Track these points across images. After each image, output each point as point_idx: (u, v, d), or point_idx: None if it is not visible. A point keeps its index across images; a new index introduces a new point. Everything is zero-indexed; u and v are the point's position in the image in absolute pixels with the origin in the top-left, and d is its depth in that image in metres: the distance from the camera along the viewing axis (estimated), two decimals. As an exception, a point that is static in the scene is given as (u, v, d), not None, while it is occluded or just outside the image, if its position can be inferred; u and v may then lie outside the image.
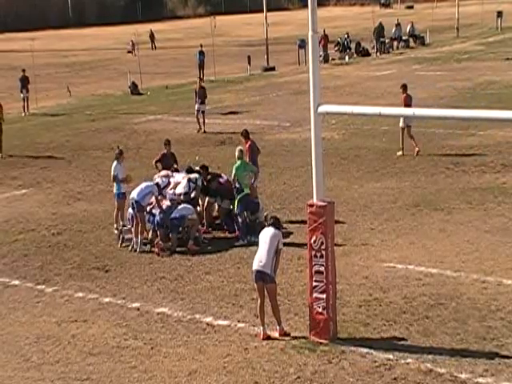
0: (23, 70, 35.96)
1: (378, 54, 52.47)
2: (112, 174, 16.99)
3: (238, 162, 16.46)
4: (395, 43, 55.53)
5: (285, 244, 12.27)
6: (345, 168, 21.80)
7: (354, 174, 21.09)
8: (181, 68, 49.08)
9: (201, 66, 43.79)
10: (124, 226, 16.73)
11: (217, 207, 17.31)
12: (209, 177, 17.23)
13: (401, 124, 22.69)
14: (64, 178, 22.46)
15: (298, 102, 32.14)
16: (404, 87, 23.17)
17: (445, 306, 12.49)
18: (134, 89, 39.88)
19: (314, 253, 11.37)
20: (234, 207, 16.61)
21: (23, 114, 34.56)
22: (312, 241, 11.34)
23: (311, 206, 11.34)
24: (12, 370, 11.23)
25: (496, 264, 14.15)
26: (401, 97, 23.12)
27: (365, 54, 51.97)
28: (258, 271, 11.57)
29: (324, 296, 11.38)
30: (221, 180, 17.23)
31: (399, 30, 56.14)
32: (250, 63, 45.58)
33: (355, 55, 51.66)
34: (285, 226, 16.10)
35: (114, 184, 17.00)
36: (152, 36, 64.32)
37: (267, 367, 10.85)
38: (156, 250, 15.82)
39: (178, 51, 60.76)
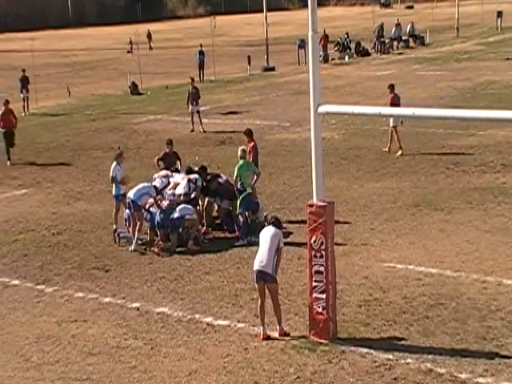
0: (23, 70, 35.97)
1: (379, 54, 52.50)
2: (110, 175, 16.98)
3: (241, 162, 16.44)
4: (395, 43, 55.55)
5: (285, 244, 12.27)
6: (345, 168, 21.80)
7: (354, 174, 21.10)
8: (181, 68, 49.06)
9: (201, 66, 43.80)
10: (116, 230, 16.67)
11: (216, 207, 17.31)
12: (208, 177, 17.23)
13: (391, 123, 22.89)
14: (64, 178, 22.46)
15: (297, 102, 32.14)
16: (391, 87, 23.39)
17: (445, 306, 12.49)
18: (134, 89, 39.90)
19: (313, 253, 11.37)
20: (234, 207, 16.62)
21: (23, 114, 34.55)
22: (312, 241, 11.34)
23: (311, 206, 11.34)
24: (12, 370, 11.24)
25: (496, 264, 14.15)
26: (388, 97, 23.26)
27: (365, 53, 52.00)
28: (259, 271, 11.57)
29: (324, 296, 11.38)
30: (220, 180, 17.22)
31: (399, 30, 56.15)
32: (249, 63, 45.60)
33: (355, 55, 51.68)
34: (285, 225, 16.08)
35: (113, 185, 17.00)
36: (149, 36, 64.21)
37: (267, 367, 10.85)
38: (156, 250, 15.82)
39: (178, 51, 60.76)
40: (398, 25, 56.29)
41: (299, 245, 15.09)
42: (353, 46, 52.56)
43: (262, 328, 11.71)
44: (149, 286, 14.12)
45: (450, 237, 15.78)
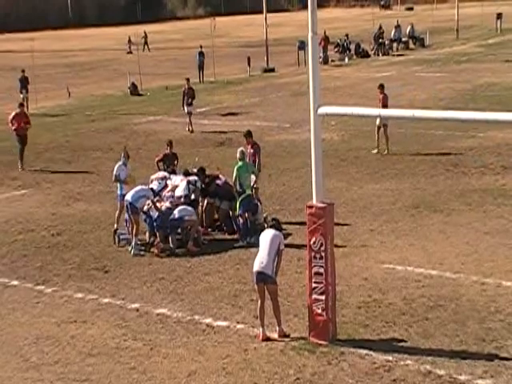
0: (23, 71, 35.96)
1: (379, 54, 52.57)
2: (114, 173, 17.01)
3: (240, 163, 16.45)
4: (395, 45, 55.59)
5: (284, 245, 12.26)
6: (344, 169, 21.81)
7: (354, 176, 21.10)
8: (181, 69, 49.05)
9: (201, 67, 43.80)
10: (116, 230, 16.68)
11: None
12: (206, 179, 17.23)
13: (377, 122, 22.97)
14: (63, 179, 22.45)
15: (297, 103, 32.15)
16: (381, 87, 23.60)
17: (444, 308, 12.49)
18: (134, 89, 39.90)
19: (313, 254, 11.37)
20: (234, 208, 16.62)
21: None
22: (311, 242, 11.34)
23: (311, 207, 11.34)
24: (11, 371, 11.23)
25: (495, 266, 14.15)
26: (378, 97, 23.37)
27: (364, 55, 52.04)
28: (258, 272, 11.57)
29: (323, 297, 11.38)
30: (218, 182, 17.22)
31: (399, 32, 56.20)
32: (249, 64, 45.60)
33: (355, 57, 51.72)
34: (284, 227, 16.09)
35: (117, 184, 17.02)
36: (145, 37, 64.04)
37: (266, 368, 10.85)
38: (155, 250, 15.82)
39: (177, 52, 60.76)
40: (397, 26, 56.34)
41: (299, 246, 15.09)
42: (352, 47, 52.60)
43: (261, 329, 11.71)
44: (148, 286, 14.12)
45: (450, 238, 15.78)
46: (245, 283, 13.75)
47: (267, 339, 11.64)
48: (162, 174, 17.57)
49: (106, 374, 10.98)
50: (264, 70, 47.02)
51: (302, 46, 43.88)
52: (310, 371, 10.70)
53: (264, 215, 16.37)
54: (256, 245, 12.27)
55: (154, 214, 16.18)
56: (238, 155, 16.61)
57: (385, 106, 22.71)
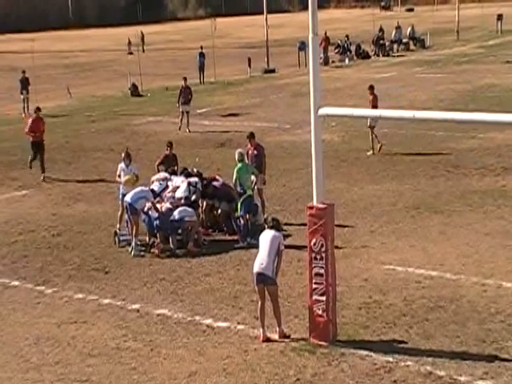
0: (23, 71, 35.95)
1: (380, 55, 52.64)
2: (117, 173, 17.19)
3: (239, 165, 16.44)
4: (395, 46, 55.63)
5: (284, 246, 12.27)
6: (345, 170, 21.81)
7: (354, 177, 21.10)
8: (181, 70, 49.04)
9: (201, 68, 43.81)
10: (118, 230, 16.70)
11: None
12: (204, 182, 17.23)
13: (368, 123, 23.08)
14: (64, 179, 22.43)
15: (298, 104, 32.15)
16: (371, 88, 23.77)
17: (444, 309, 12.49)
18: (134, 90, 39.92)
19: (313, 255, 11.37)
20: (234, 209, 16.62)
21: (23, 115, 34.54)
22: (312, 243, 11.34)
23: (311, 208, 11.34)
24: (11, 371, 11.22)
25: (496, 267, 14.15)
26: (369, 98, 23.42)
27: (365, 56, 52.08)
28: (259, 273, 11.57)
29: (324, 298, 11.38)
30: (216, 184, 17.20)
31: (399, 33, 56.26)
32: (250, 65, 45.63)
33: (355, 58, 51.75)
34: (285, 228, 16.12)
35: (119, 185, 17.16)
36: (142, 39, 64.00)
37: (267, 369, 10.84)
38: (156, 251, 15.82)
39: (178, 53, 60.79)
40: (398, 27, 56.40)
41: (299, 247, 15.08)
42: (353, 48, 52.64)
43: (261, 330, 11.70)
44: (148, 287, 14.12)
45: (450, 239, 15.78)
46: (245, 284, 13.75)
47: (267, 340, 11.64)
48: (162, 175, 17.57)
49: (107, 375, 10.97)
50: (264, 70, 47.05)
51: (303, 46, 43.94)
52: (310, 372, 10.69)
53: (264, 216, 16.36)
54: (256, 246, 12.27)
55: (154, 214, 16.18)
56: (236, 156, 16.60)
57: (374, 106, 22.79)
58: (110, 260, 15.66)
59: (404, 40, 56.41)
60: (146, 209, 16.21)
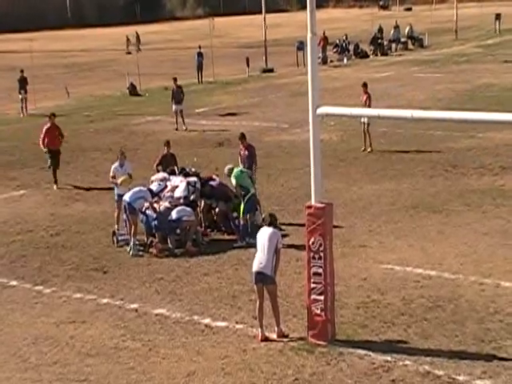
0: (21, 71, 35.92)
1: (378, 54, 52.65)
2: (110, 174, 17.08)
3: (235, 172, 16.43)
4: (394, 45, 55.63)
5: (283, 246, 12.27)
6: (343, 170, 21.81)
7: (353, 176, 21.10)
8: (180, 69, 49.04)
9: (199, 68, 43.80)
10: (117, 230, 16.69)
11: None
12: (201, 181, 17.22)
13: (362, 120, 23.24)
14: (62, 179, 22.40)
15: (296, 104, 32.15)
16: (365, 86, 23.95)
17: (443, 308, 12.49)
18: (133, 90, 39.91)
19: (312, 254, 11.37)
20: (232, 209, 16.62)
21: (21, 115, 34.55)
22: (310, 242, 11.34)
23: (310, 207, 11.34)
24: (10, 371, 11.22)
25: (494, 266, 14.15)
26: (363, 96, 23.47)
27: (363, 55, 52.08)
28: (258, 273, 11.57)
29: (322, 298, 11.38)
30: (213, 183, 17.20)
31: (398, 32, 56.27)
32: (248, 65, 45.61)
33: (353, 57, 51.75)
34: (283, 227, 16.13)
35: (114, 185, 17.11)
36: (138, 38, 63.89)
37: (265, 369, 10.84)
38: (154, 251, 15.82)
39: (176, 52, 60.76)
40: (396, 27, 56.41)
41: (297, 246, 15.09)
42: (351, 47, 52.64)
43: (260, 329, 11.70)
44: (147, 287, 14.11)
45: (449, 239, 15.78)
46: (244, 284, 13.75)
47: (266, 339, 11.64)
48: (161, 175, 17.57)
49: (105, 375, 10.97)
50: (263, 70, 47.03)
51: (301, 46, 43.89)
52: (308, 371, 10.70)
53: (263, 216, 16.34)
54: (254, 245, 12.27)
55: (152, 214, 16.17)
56: (226, 172, 16.67)
57: (367, 105, 22.99)
58: (108, 260, 15.65)
59: (402, 39, 56.42)
60: (143, 209, 16.21)
